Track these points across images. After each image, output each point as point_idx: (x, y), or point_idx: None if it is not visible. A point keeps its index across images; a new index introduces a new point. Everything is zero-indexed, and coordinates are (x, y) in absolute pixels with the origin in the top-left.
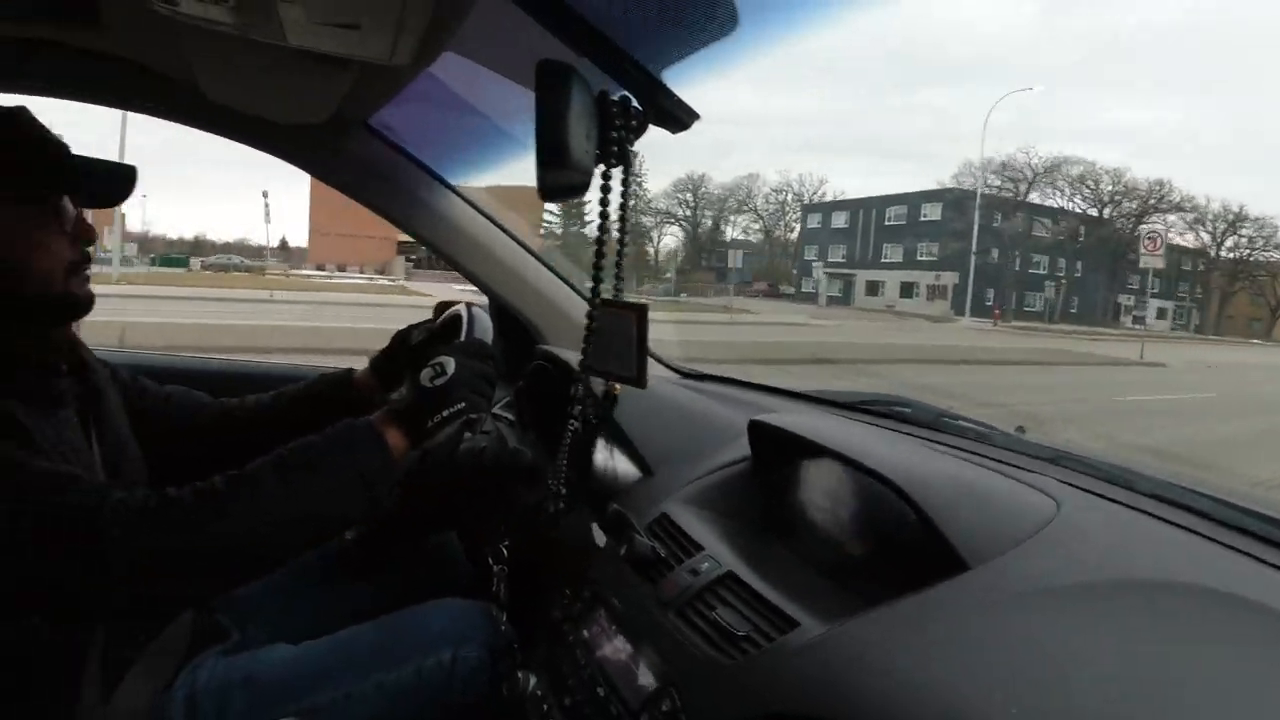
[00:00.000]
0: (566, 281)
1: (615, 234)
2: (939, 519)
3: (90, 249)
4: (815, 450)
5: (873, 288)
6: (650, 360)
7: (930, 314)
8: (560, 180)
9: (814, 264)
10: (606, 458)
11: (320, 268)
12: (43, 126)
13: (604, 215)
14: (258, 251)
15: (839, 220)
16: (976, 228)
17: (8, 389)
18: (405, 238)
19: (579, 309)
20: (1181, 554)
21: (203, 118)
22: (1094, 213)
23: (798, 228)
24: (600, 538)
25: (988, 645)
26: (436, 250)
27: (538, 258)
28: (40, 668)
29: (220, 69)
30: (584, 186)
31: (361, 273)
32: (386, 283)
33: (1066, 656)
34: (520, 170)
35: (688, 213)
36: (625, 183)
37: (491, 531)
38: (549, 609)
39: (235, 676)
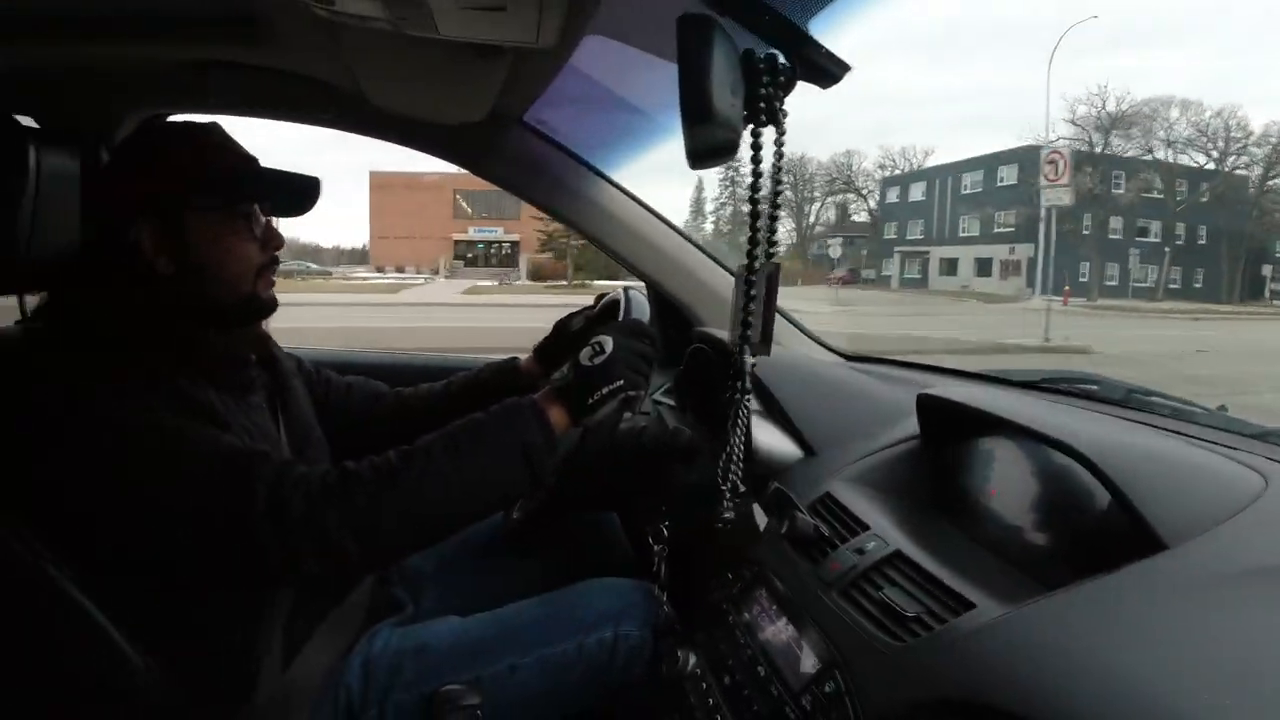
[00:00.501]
0: (721, 264)
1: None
2: (1134, 494)
3: (278, 254)
4: (991, 424)
5: (948, 266)
6: (812, 342)
7: (1001, 293)
8: (708, 139)
9: (893, 243)
10: (767, 437)
11: (380, 270)
12: (235, 141)
13: (755, 178)
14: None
15: (916, 193)
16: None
17: (204, 378)
18: (460, 236)
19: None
20: None
21: (369, 124)
22: (1208, 164)
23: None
24: (762, 519)
25: (1184, 631)
26: (593, 239)
27: (692, 241)
28: (225, 636)
29: (381, 72)
30: (733, 147)
31: (419, 273)
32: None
33: (1272, 643)
34: (669, 152)
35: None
36: (778, 142)
37: (651, 511)
38: (709, 590)
39: (408, 645)
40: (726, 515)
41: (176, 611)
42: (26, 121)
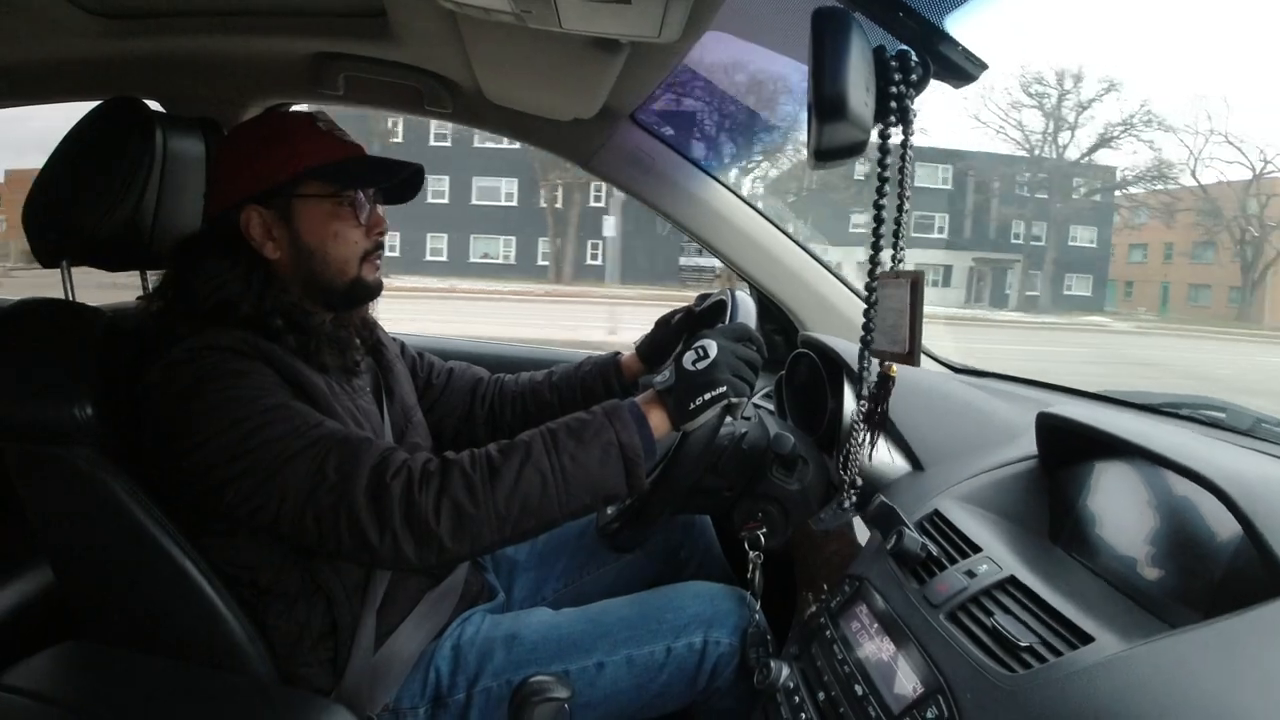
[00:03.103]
0: (831, 270)
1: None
2: (1268, 530)
3: (383, 240)
4: (1115, 448)
5: None
6: (924, 354)
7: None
8: (839, 137)
9: None
10: (875, 449)
11: None
12: (342, 129)
13: (882, 179)
14: None
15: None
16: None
17: (313, 360)
18: None
19: (842, 297)
20: None
21: (484, 118)
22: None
23: None
24: (862, 533)
25: None
26: (700, 239)
27: (802, 246)
28: (321, 611)
29: (498, 66)
30: (862, 146)
31: None
32: None
33: None
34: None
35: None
36: (905, 144)
37: (748, 517)
38: (804, 601)
39: (499, 633)
40: (847, 511)
41: (273, 584)
42: (154, 107)
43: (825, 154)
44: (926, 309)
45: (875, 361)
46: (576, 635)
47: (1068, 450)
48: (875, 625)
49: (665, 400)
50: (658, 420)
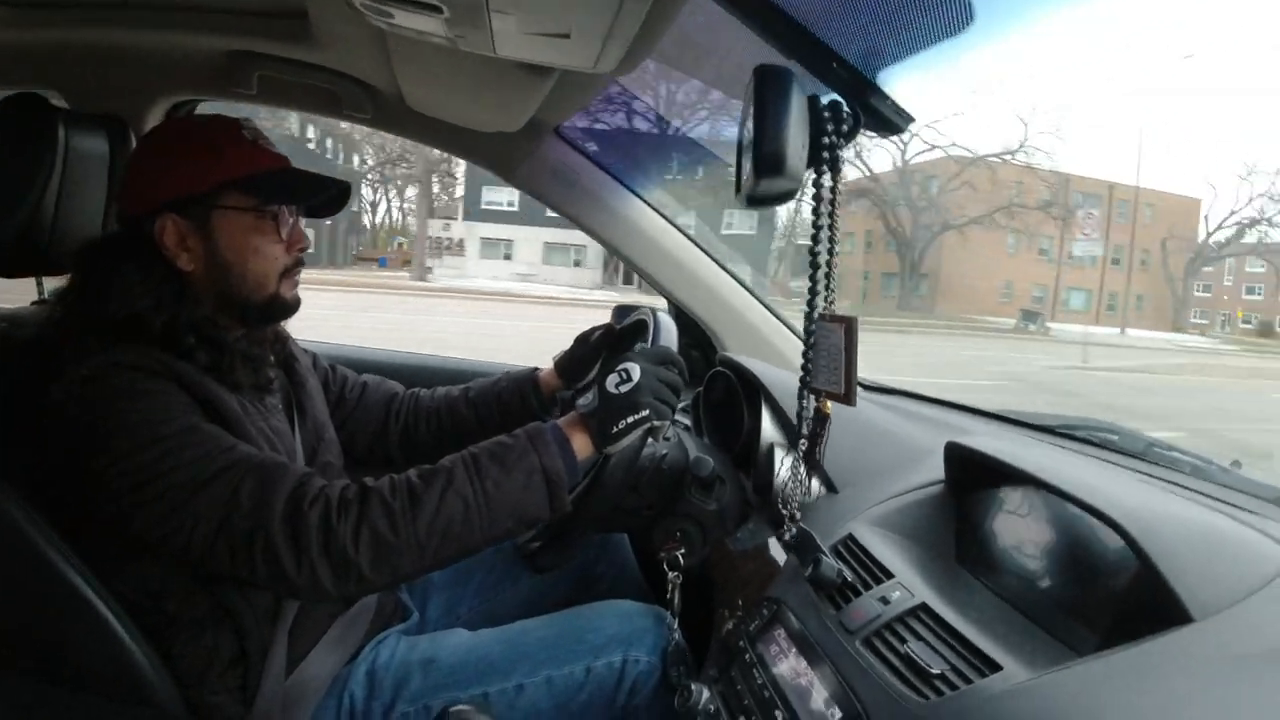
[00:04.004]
0: (750, 291)
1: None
2: (1163, 564)
3: (303, 255)
4: (1020, 478)
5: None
6: None
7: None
8: (774, 189)
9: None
10: (790, 473)
11: None
12: (268, 139)
13: (817, 225)
14: None
15: None
16: None
17: (225, 380)
18: None
19: (762, 318)
20: None
21: (404, 124)
22: None
23: None
24: (779, 553)
25: (1213, 708)
26: (620, 254)
27: (721, 265)
28: (228, 637)
29: (423, 78)
30: (794, 193)
31: None
32: None
33: None
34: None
35: None
36: (834, 189)
37: (667, 537)
38: (722, 621)
39: (415, 656)
40: (788, 539)
41: (181, 611)
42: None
43: (758, 200)
44: (558, 291)
45: (812, 399)
46: (495, 657)
47: (973, 477)
48: (793, 649)
49: (588, 423)
50: (580, 443)
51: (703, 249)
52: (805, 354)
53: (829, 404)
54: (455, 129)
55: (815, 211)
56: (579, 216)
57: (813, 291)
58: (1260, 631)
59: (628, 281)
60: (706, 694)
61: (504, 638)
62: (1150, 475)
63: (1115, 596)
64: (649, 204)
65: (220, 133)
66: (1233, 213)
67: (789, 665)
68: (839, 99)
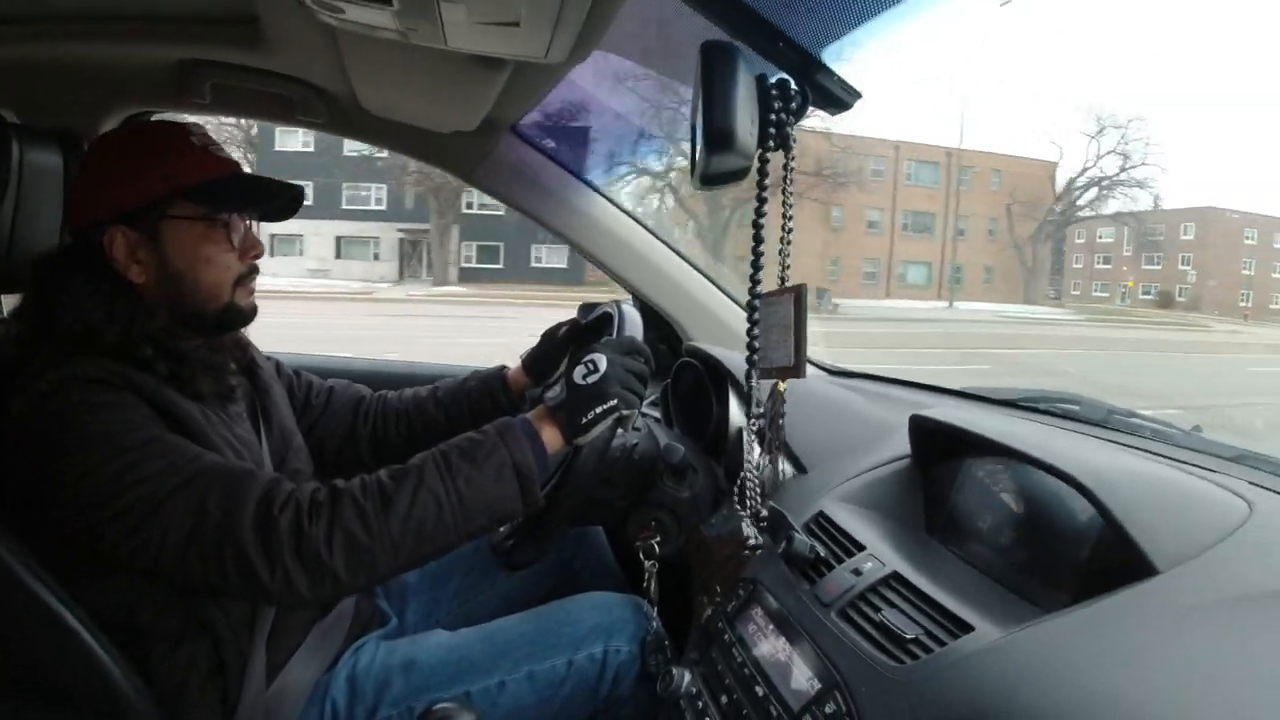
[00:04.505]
0: (712, 280)
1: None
2: (1126, 519)
3: (258, 263)
4: (983, 447)
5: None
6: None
7: None
8: (725, 165)
9: None
10: (760, 454)
11: None
12: (218, 145)
13: (761, 201)
14: None
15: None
16: None
17: (185, 389)
18: None
19: (725, 307)
20: None
21: (360, 128)
22: None
23: None
24: (752, 535)
25: (1179, 657)
26: (582, 250)
27: (683, 256)
28: (205, 648)
29: (377, 78)
30: (746, 171)
31: None
32: None
33: (1264, 670)
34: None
35: None
36: (787, 167)
37: (641, 526)
38: (700, 606)
39: (395, 660)
40: (751, 542)
41: (155, 624)
42: (7, 116)
43: (711, 179)
44: (350, 286)
45: (760, 381)
46: (475, 655)
47: (938, 449)
48: (770, 626)
49: (557, 415)
50: (550, 436)
51: (664, 241)
52: (750, 333)
53: (782, 383)
54: (412, 130)
55: (760, 185)
56: (541, 214)
57: (755, 266)
58: (1224, 580)
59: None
60: (688, 677)
61: (484, 635)
62: (1114, 441)
63: (1083, 556)
64: (608, 198)
65: (166, 140)
66: (1084, 170)
67: (767, 642)
68: (786, 78)
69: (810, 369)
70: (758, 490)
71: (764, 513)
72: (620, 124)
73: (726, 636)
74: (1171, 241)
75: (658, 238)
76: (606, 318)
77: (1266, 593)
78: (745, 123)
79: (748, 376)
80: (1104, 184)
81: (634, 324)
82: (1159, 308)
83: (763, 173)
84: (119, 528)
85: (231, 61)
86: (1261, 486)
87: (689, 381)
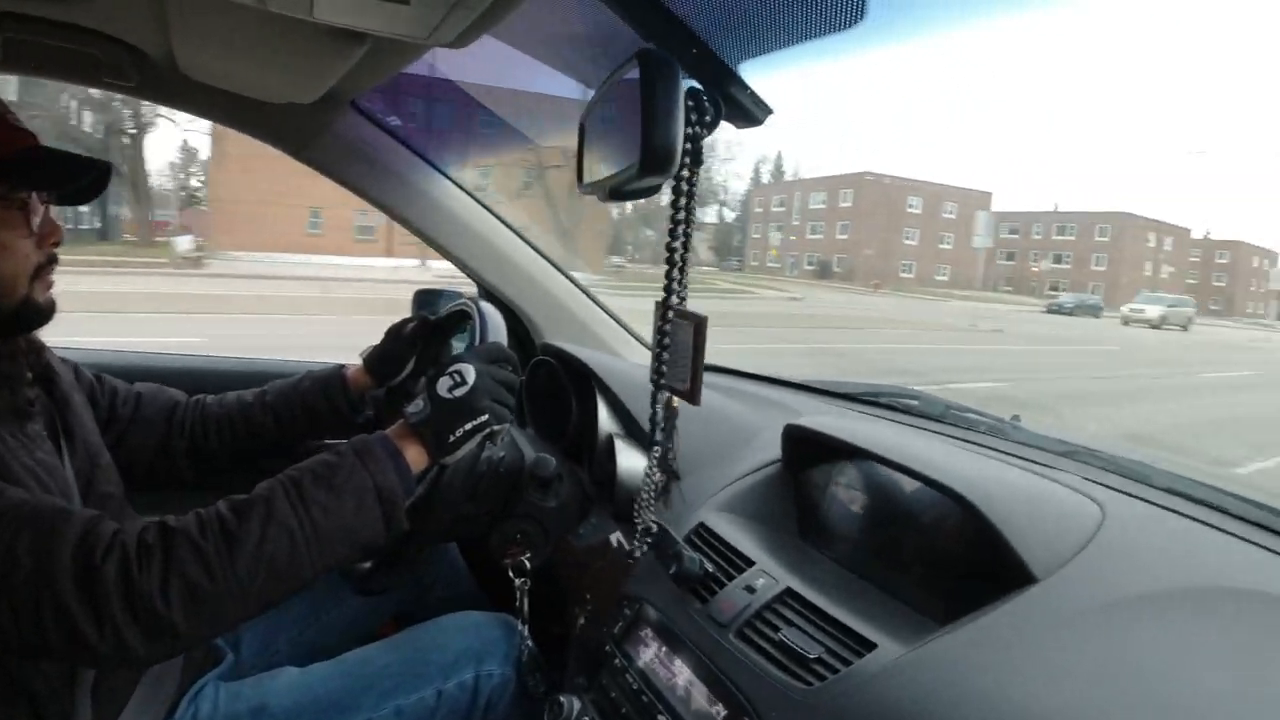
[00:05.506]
0: (567, 275)
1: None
2: (1005, 530)
3: (57, 252)
4: (856, 454)
5: None
6: (637, 344)
7: None
8: (652, 185)
9: None
10: (629, 461)
11: None
12: (11, 113)
13: (675, 219)
14: None
15: None
16: None
17: None
18: None
19: (579, 303)
20: (1222, 556)
21: (175, 95)
22: None
23: None
24: (636, 546)
25: (1072, 665)
26: (427, 238)
27: (536, 249)
28: (28, 710)
29: (206, 42)
30: (659, 188)
31: None
32: None
33: (1155, 675)
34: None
35: None
36: (692, 182)
37: (508, 541)
38: (573, 618)
39: (242, 706)
40: (636, 555)
41: None
42: None
43: (627, 195)
44: None
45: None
46: (335, 694)
47: (809, 455)
48: (664, 649)
49: (421, 432)
50: (414, 455)
51: (516, 232)
52: (658, 352)
53: (674, 400)
54: (237, 99)
55: (674, 206)
56: (379, 197)
57: (668, 288)
58: (1099, 586)
59: None
60: (578, 704)
61: (341, 670)
62: (963, 440)
63: (961, 563)
64: (459, 185)
65: None
66: None
67: (664, 667)
68: (700, 89)
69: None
70: (650, 506)
71: (654, 529)
72: (482, 109)
73: (617, 661)
74: (833, 210)
75: (512, 229)
76: (460, 314)
77: (1137, 595)
78: (681, 140)
79: (654, 396)
80: None
81: (497, 327)
82: (818, 278)
83: (678, 190)
84: None
85: (28, 13)
86: (1102, 484)
87: (543, 380)
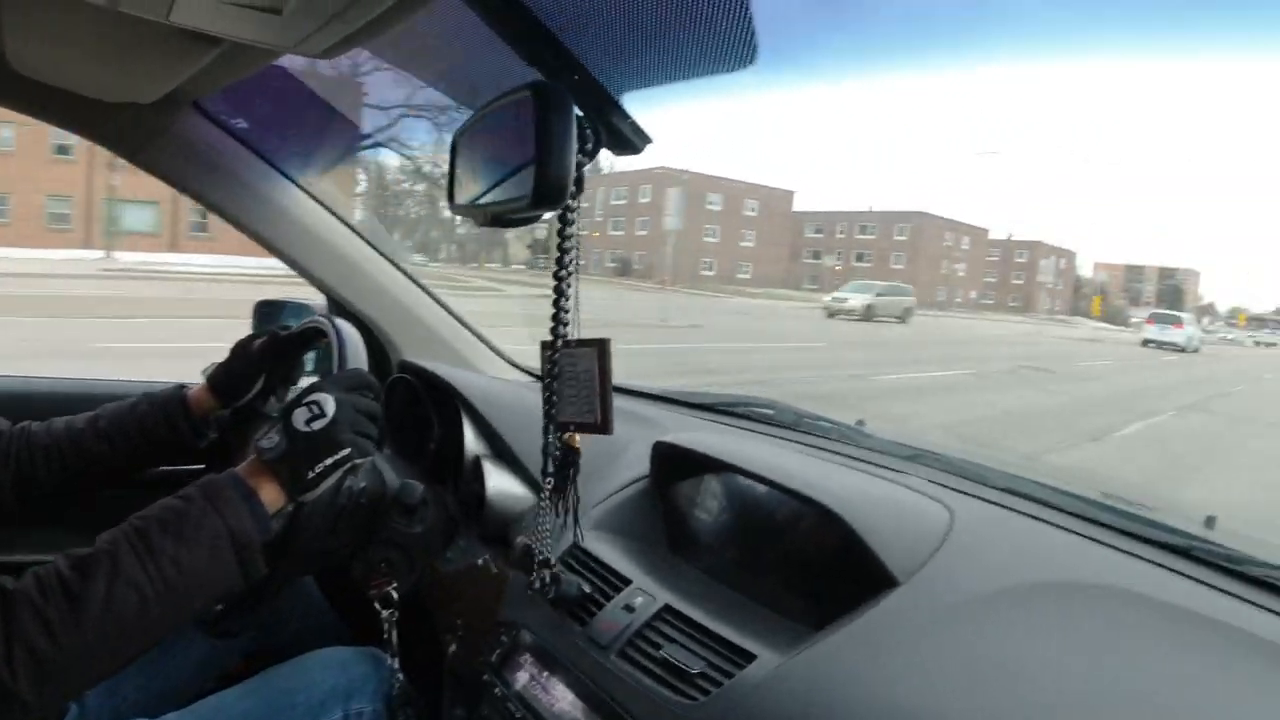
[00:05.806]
0: (424, 289)
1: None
2: (869, 538)
3: None
4: (724, 469)
5: None
6: (501, 360)
7: None
8: (538, 214)
9: None
10: (498, 481)
11: None
12: None
13: (563, 250)
14: None
15: None
16: None
17: None
18: None
19: (438, 317)
20: (1065, 552)
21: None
22: None
23: None
24: (491, 567)
25: (944, 662)
26: (273, 248)
27: (393, 262)
28: None
29: (39, 34)
30: (539, 216)
31: None
32: None
33: (1016, 665)
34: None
35: None
36: (574, 210)
37: (372, 572)
38: (445, 645)
39: None
40: (538, 587)
41: None
42: None
43: (507, 223)
44: None
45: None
46: None
47: (677, 470)
48: (545, 674)
49: (277, 469)
50: (270, 494)
51: (371, 244)
52: (548, 385)
53: (577, 437)
54: (70, 97)
55: (562, 234)
56: (222, 204)
57: (556, 320)
58: (955, 586)
59: None
60: None
61: (197, 719)
62: (818, 448)
63: (823, 567)
64: (309, 193)
65: None
66: None
67: (545, 691)
68: (579, 114)
69: (517, 374)
70: (546, 543)
71: (552, 562)
72: (338, 113)
73: (498, 690)
74: (632, 205)
75: (366, 240)
76: (312, 333)
77: (993, 592)
78: (573, 172)
79: (546, 431)
80: None
81: (356, 349)
82: (618, 275)
83: (565, 220)
84: None
85: None
86: (948, 487)
87: (401, 399)
